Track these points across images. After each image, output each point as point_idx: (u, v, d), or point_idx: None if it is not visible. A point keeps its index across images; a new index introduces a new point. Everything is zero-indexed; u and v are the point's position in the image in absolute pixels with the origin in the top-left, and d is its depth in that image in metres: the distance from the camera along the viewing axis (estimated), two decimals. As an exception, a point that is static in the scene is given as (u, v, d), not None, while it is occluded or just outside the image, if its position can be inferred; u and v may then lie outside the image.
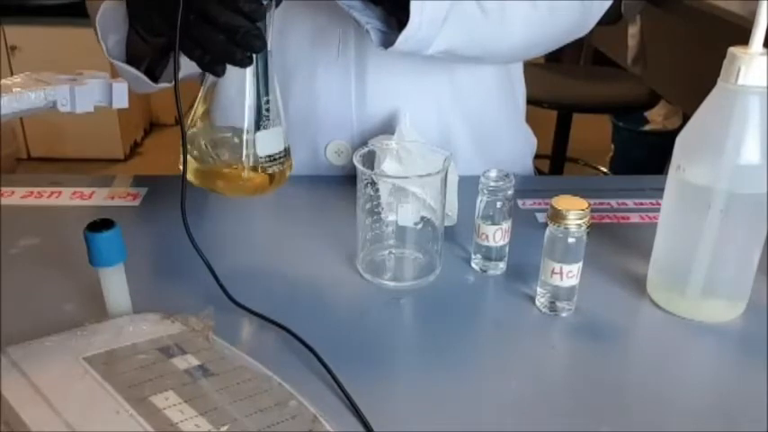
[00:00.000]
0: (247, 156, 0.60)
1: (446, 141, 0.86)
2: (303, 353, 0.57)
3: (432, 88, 0.84)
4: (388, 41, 0.68)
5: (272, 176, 0.62)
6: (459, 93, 0.86)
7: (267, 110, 0.60)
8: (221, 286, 0.60)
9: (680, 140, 0.60)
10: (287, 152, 0.63)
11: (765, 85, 0.54)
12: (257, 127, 0.60)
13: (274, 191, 0.63)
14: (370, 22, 0.68)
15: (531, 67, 0.95)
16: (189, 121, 0.62)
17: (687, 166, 0.59)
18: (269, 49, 0.59)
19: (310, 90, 0.82)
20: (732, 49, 0.55)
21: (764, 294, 0.65)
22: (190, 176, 0.62)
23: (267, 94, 0.60)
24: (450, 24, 0.68)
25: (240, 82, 0.59)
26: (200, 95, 0.63)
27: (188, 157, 0.61)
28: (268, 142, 0.61)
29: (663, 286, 0.64)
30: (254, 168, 0.61)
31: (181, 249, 0.68)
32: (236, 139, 0.60)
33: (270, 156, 0.61)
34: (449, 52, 0.71)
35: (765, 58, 0.54)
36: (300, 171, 0.87)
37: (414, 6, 0.64)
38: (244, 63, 0.56)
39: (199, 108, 0.63)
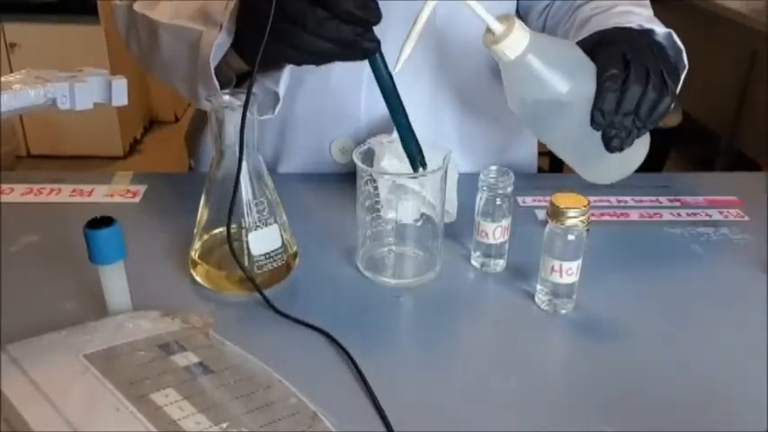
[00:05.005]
0: (242, 257, 0.61)
1: (449, 139, 0.86)
2: (304, 351, 0.57)
3: (441, 89, 0.84)
4: None
5: (271, 273, 0.63)
6: (466, 95, 0.86)
7: (261, 210, 0.62)
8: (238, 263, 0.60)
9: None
10: (285, 247, 0.64)
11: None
12: (251, 227, 0.61)
13: (281, 282, 0.64)
14: None
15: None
16: (198, 219, 0.64)
17: None
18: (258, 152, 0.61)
19: (322, 88, 0.81)
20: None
21: (763, 293, 0.65)
22: (196, 275, 0.64)
23: (262, 195, 0.62)
24: None
25: (235, 184, 0.60)
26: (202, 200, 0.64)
27: (194, 256, 0.64)
28: (262, 242, 0.62)
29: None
30: (252, 268, 0.62)
31: (181, 246, 0.68)
32: (235, 242, 0.61)
33: (265, 254, 0.62)
34: None
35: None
36: (304, 169, 0.87)
37: None
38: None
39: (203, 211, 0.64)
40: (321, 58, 0.60)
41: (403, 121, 0.63)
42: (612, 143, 0.61)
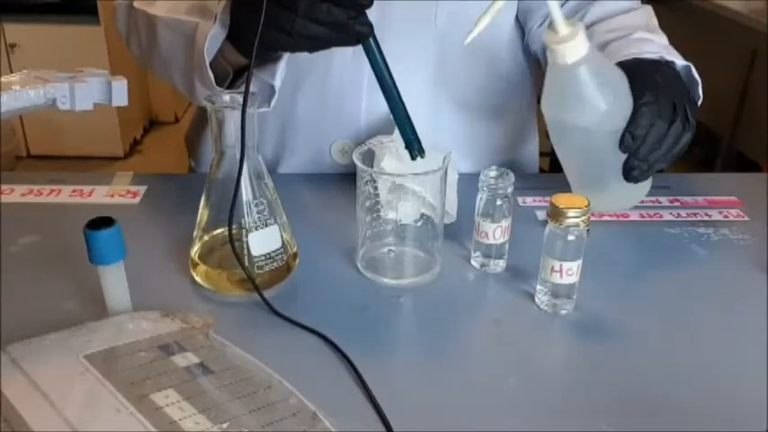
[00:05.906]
0: (242, 258, 0.61)
1: (448, 138, 0.86)
2: (304, 352, 0.57)
3: (442, 90, 0.84)
4: None
5: (271, 273, 0.62)
6: (467, 95, 0.87)
7: (260, 211, 0.61)
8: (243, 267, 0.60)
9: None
10: (285, 247, 0.63)
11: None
12: (251, 228, 0.61)
13: (283, 282, 0.64)
14: None
15: (531, 66, 0.95)
16: (198, 219, 0.64)
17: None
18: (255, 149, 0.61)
19: (322, 89, 0.81)
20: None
21: (763, 293, 0.65)
22: (196, 276, 0.64)
23: (262, 195, 0.61)
24: None
25: (234, 185, 0.60)
26: (202, 199, 0.64)
27: (194, 257, 0.64)
28: (262, 242, 0.61)
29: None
30: (252, 269, 0.61)
31: (181, 247, 0.68)
32: (235, 243, 0.61)
33: (265, 255, 0.62)
34: None
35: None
36: (304, 170, 0.87)
37: None
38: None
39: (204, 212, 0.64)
40: (315, 44, 0.60)
41: (399, 107, 0.63)
42: (633, 173, 0.63)
